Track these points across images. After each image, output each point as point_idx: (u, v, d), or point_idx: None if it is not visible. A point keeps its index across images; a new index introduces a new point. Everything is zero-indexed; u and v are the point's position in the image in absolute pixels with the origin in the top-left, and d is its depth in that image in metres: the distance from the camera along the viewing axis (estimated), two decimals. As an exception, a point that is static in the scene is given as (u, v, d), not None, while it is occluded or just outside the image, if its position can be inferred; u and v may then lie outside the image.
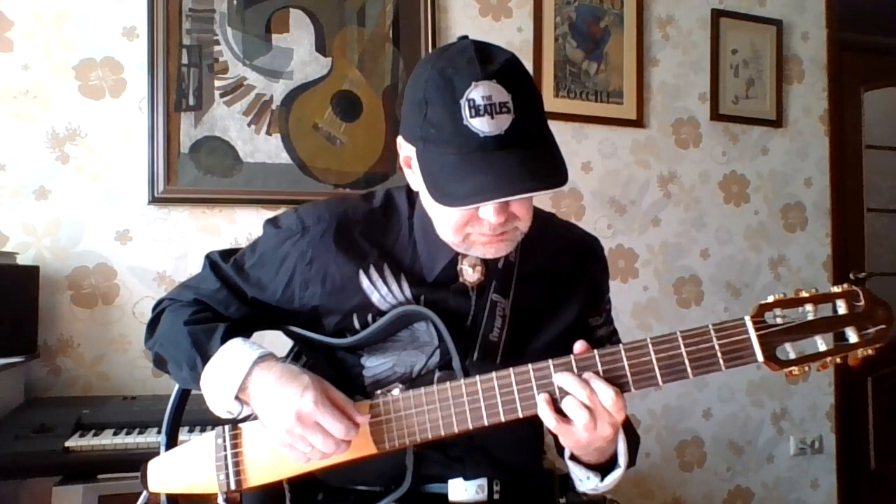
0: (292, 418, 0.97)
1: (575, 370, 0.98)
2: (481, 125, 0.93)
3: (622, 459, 1.07)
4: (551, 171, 0.97)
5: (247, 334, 1.14)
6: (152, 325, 1.22)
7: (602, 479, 1.08)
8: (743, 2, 3.21)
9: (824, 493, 3.30)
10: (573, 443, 1.00)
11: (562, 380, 0.97)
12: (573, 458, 1.09)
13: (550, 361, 0.99)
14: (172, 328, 1.15)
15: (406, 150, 1.06)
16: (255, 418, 1.06)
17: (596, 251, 1.27)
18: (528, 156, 0.95)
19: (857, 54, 3.47)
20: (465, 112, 0.94)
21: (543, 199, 2.82)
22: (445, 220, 1.03)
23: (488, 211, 0.98)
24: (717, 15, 3.14)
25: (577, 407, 0.95)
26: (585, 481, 1.09)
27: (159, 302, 1.25)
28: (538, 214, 1.22)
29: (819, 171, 3.34)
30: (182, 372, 1.12)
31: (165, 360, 1.17)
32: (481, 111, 0.93)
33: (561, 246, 1.23)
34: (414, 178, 1.07)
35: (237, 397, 1.04)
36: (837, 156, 3.36)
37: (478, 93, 0.94)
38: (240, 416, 1.07)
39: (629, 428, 1.11)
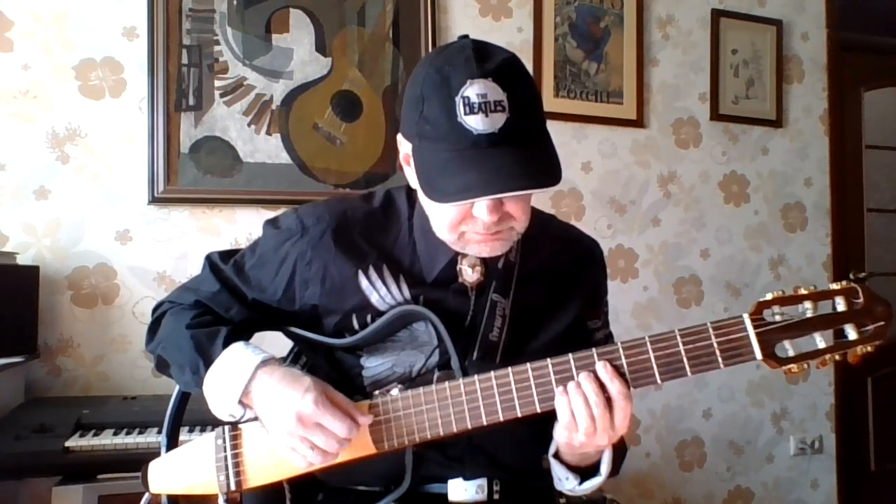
0: (293, 420, 0.98)
1: (574, 370, 0.98)
2: (475, 123, 0.93)
3: (604, 468, 1.08)
4: (544, 171, 0.96)
5: (247, 336, 1.14)
6: (153, 327, 1.22)
7: (581, 483, 1.10)
8: (743, 2, 3.21)
9: (824, 493, 3.30)
10: (566, 439, 1.01)
11: (585, 384, 0.97)
12: (556, 456, 1.10)
13: (549, 360, 0.99)
14: (174, 332, 1.15)
15: (405, 148, 1.06)
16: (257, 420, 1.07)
17: (595, 254, 1.27)
18: (521, 154, 0.95)
19: (857, 54, 3.47)
20: (460, 109, 0.94)
21: (543, 200, 2.83)
22: (441, 218, 1.04)
23: (481, 209, 0.98)
24: (717, 15, 3.14)
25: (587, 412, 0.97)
26: (564, 481, 1.11)
27: (159, 304, 1.25)
28: (538, 215, 1.22)
29: (819, 171, 3.34)
30: (184, 376, 1.12)
31: (167, 364, 1.17)
32: (476, 109, 0.93)
33: (561, 247, 1.23)
34: (412, 175, 1.08)
35: (240, 401, 1.04)
36: (837, 156, 3.36)
37: (473, 90, 0.94)
38: (242, 420, 1.08)
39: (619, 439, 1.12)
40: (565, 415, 0.97)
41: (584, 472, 1.10)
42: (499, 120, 0.94)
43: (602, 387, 0.96)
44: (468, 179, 0.93)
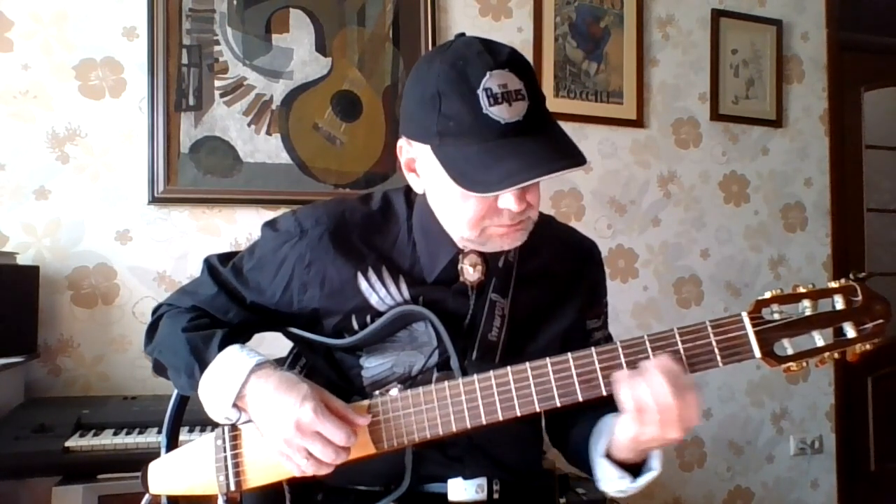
0: (291, 428, 0.97)
1: (573, 369, 0.98)
2: (500, 113, 0.94)
3: (657, 462, 1.04)
4: (572, 152, 0.98)
5: (245, 339, 1.14)
6: (151, 330, 1.22)
7: (634, 480, 1.04)
8: (743, 2, 3.22)
9: (824, 493, 3.30)
10: (635, 433, 0.96)
11: (653, 373, 0.93)
12: (608, 455, 1.05)
13: (548, 360, 0.99)
14: (171, 335, 1.15)
15: (411, 153, 1.06)
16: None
17: (594, 254, 1.28)
18: (549, 139, 0.97)
19: (857, 54, 3.47)
20: (484, 101, 0.94)
21: (543, 200, 2.80)
22: (462, 216, 1.03)
23: (509, 200, 0.98)
24: (717, 15, 3.15)
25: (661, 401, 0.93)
26: (616, 481, 1.05)
27: (158, 307, 1.25)
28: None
29: (819, 171, 3.34)
30: (180, 379, 1.12)
31: (164, 367, 1.17)
32: (499, 99, 0.94)
33: (560, 248, 1.23)
34: (418, 181, 1.08)
35: (235, 405, 1.03)
36: (837, 156, 3.36)
37: (493, 82, 0.95)
38: (238, 423, 1.07)
39: None
40: (631, 404, 0.93)
41: (633, 469, 1.05)
42: (521, 108, 0.95)
43: (669, 375, 0.93)
44: (510, 166, 0.94)
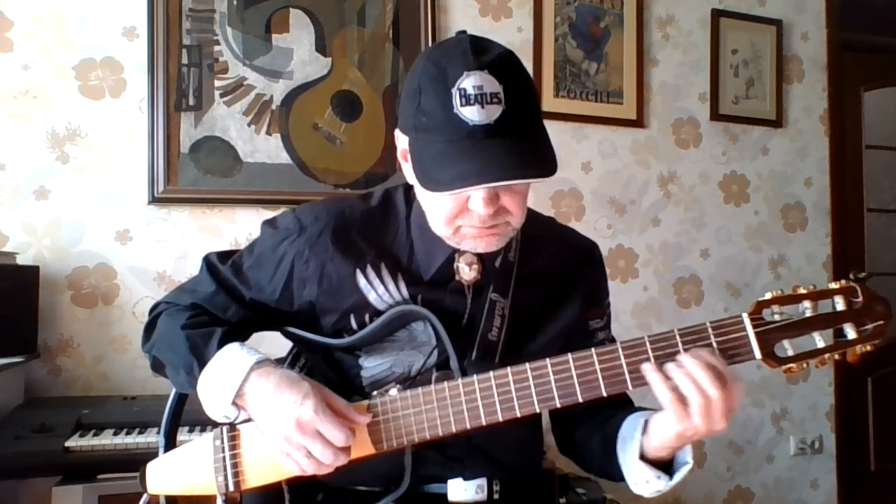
0: (292, 426, 0.97)
1: (573, 369, 0.97)
2: (471, 114, 0.94)
3: (689, 455, 1.03)
4: (539, 162, 0.96)
5: (244, 338, 1.14)
6: (149, 328, 1.21)
7: (671, 478, 1.03)
8: (743, 2, 3.21)
9: (824, 493, 3.30)
10: (679, 429, 0.95)
11: (690, 364, 0.93)
12: (643, 457, 1.04)
13: (548, 360, 0.99)
14: (170, 332, 1.15)
15: (402, 143, 1.06)
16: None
17: (595, 254, 1.27)
18: (517, 146, 0.95)
19: (857, 54, 3.47)
20: (456, 101, 0.94)
21: (543, 200, 2.83)
22: (438, 212, 1.03)
23: (477, 201, 0.98)
24: (717, 15, 3.14)
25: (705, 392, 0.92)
26: (654, 482, 1.03)
27: (156, 305, 1.25)
28: (538, 217, 1.23)
29: (819, 171, 3.34)
30: (179, 376, 1.12)
31: (163, 364, 1.16)
32: (472, 100, 0.94)
33: (560, 249, 1.23)
34: (409, 170, 1.08)
35: (234, 403, 1.03)
36: (837, 156, 3.36)
37: (469, 82, 0.94)
38: (237, 422, 1.07)
39: None
40: (670, 397, 0.93)
41: (666, 467, 1.04)
42: (494, 112, 0.94)
43: (709, 365, 0.93)
44: (463, 169, 0.93)
